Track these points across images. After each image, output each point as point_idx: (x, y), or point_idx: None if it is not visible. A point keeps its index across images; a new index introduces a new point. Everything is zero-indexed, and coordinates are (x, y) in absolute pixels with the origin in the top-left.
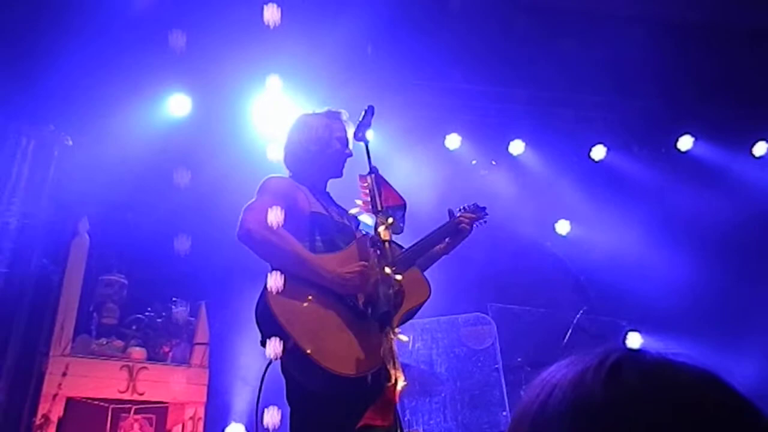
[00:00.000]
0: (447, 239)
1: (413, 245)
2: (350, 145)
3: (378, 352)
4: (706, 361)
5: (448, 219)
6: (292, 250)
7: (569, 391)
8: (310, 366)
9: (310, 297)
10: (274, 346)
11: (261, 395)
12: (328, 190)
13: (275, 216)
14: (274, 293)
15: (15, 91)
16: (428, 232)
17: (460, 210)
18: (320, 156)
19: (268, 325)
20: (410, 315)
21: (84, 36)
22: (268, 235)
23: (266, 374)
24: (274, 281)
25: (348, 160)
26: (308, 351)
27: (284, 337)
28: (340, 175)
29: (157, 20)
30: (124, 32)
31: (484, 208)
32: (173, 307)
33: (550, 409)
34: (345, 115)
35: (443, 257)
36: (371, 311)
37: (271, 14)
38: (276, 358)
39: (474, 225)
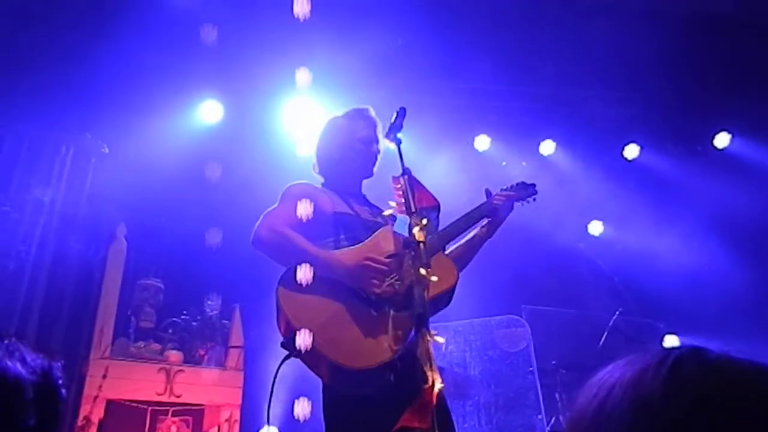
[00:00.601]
0: (485, 222)
1: (442, 230)
2: (378, 141)
3: (389, 344)
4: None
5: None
6: (299, 247)
7: (629, 389)
8: (318, 360)
9: (319, 291)
10: (300, 340)
11: (273, 392)
12: (364, 192)
13: (288, 217)
14: (285, 291)
15: (53, 101)
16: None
17: (501, 190)
18: (344, 161)
19: (279, 323)
20: (439, 301)
21: (118, 46)
22: (276, 237)
23: (279, 372)
24: (289, 277)
25: (380, 158)
26: (314, 345)
27: (292, 333)
28: (369, 174)
29: (188, 28)
30: (157, 41)
31: (533, 185)
32: (207, 309)
33: (609, 407)
34: (370, 111)
35: (486, 243)
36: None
37: (301, 7)
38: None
39: (519, 203)
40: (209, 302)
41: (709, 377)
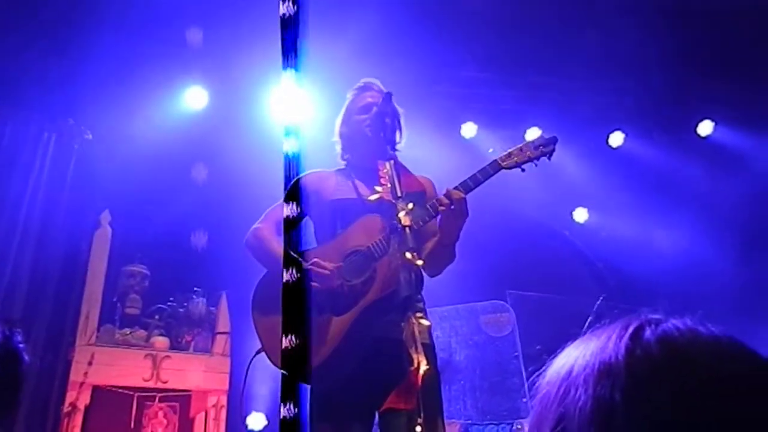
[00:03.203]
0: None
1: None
2: (386, 105)
3: (322, 346)
4: None
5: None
6: (267, 253)
7: (594, 355)
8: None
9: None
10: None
11: (246, 381)
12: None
13: (278, 220)
14: (255, 294)
15: (35, 87)
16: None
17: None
18: (350, 138)
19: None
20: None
21: (101, 32)
22: (256, 242)
23: (252, 361)
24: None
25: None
26: (262, 348)
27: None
28: (373, 141)
29: (172, 13)
30: (140, 26)
31: (554, 139)
32: (194, 297)
33: (577, 370)
34: (371, 82)
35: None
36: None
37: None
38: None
39: (529, 164)
40: (195, 289)
41: (665, 344)
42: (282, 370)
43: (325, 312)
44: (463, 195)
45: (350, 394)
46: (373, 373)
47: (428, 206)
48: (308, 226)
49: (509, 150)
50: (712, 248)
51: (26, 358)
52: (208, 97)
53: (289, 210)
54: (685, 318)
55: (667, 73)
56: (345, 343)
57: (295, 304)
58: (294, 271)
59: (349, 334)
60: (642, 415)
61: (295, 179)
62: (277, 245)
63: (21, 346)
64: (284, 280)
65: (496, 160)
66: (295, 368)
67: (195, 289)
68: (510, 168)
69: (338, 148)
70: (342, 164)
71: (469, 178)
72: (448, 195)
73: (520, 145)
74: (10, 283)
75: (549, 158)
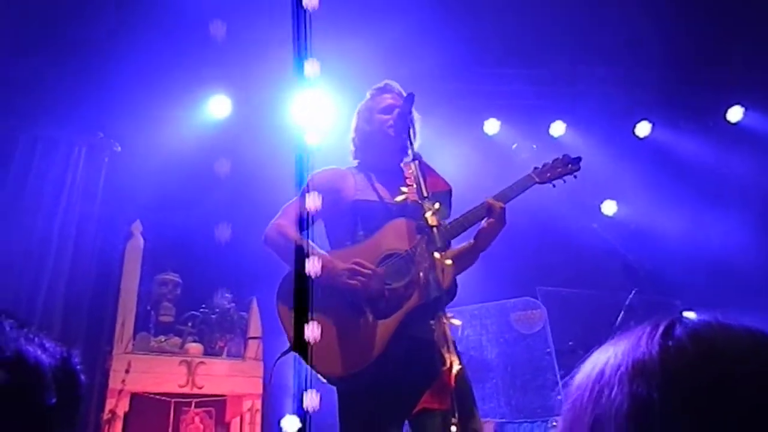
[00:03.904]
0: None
1: (450, 223)
2: (406, 109)
3: (367, 349)
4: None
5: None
6: (293, 248)
7: (626, 355)
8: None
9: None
10: None
11: (271, 382)
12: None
13: (299, 215)
14: (282, 294)
15: (64, 103)
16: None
17: (535, 168)
18: (367, 138)
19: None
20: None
21: (127, 46)
22: (278, 238)
23: (277, 363)
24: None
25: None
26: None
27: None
28: (395, 142)
29: (195, 24)
30: (164, 39)
31: (577, 159)
32: (224, 302)
33: (609, 371)
34: (391, 84)
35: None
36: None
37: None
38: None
39: (554, 182)
40: (226, 295)
41: (697, 340)
42: (318, 370)
43: (364, 313)
44: (503, 205)
45: (388, 397)
46: (409, 375)
47: (468, 215)
48: (318, 223)
49: (543, 165)
50: (744, 239)
51: (83, 378)
52: (231, 105)
53: (311, 206)
54: (716, 313)
55: (693, 59)
56: (390, 346)
57: (332, 303)
58: (329, 270)
59: (394, 338)
60: (680, 410)
61: (311, 174)
62: (307, 246)
63: (79, 367)
64: (320, 280)
65: (530, 174)
66: (327, 365)
67: (226, 295)
68: (543, 183)
69: (353, 146)
70: (353, 163)
71: (507, 188)
72: (489, 206)
73: (552, 161)
74: (47, 295)
75: (575, 177)
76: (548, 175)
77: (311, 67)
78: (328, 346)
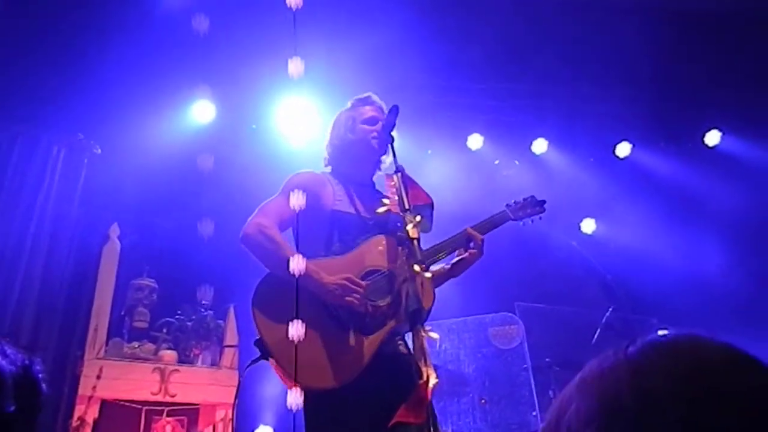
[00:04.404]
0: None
1: (429, 248)
2: (387, 122)
3: (352, 365)
4: None
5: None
6: (282, 254)
7: (599, 364)
8: (286, 375)
9: (290, 305)
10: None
11: (239, 389)
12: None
13: (281, 213)
14: (260, 299)
15: (45, 102)
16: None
17: (507, 205)
18: (349, 148)
19: (256, 331)
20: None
21: (109, 48)
22: (262, 239)
23: (247, 369)
24: (263, 291)
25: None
26: (279, 362)
27: (264, 345)
28: (377, 155)
29: (178, 28)
30: (147, 42)
31: (542, 203)
32: (202, 310)
33: (586, 381)
34: (373, 96)
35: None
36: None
37: (295, 67)
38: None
39: (524, 221)
40: (203, 302)
41: (660, 350)
42: (299, 381)
43: (348, 329)
44: (483, 237)
45: (369, 411)
46: (387, 388)
47: (449, 242)
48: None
49: (515, 203)
50: (720, 258)
51: (44, 388)
52: (215, 111)
53: (294, 205)
54: (691, 330)
55: (673, 83)
56: (373, 362)
57: (317, 315)
58: (315, 281)
59: (377, 354)
60: (651, 414)
61: (293, 176)
62: (289, 249)
63: (40, 375)
64: (309, 291)
65: (505, 211)
66: (314, 379)
67: (203, 302)
68: (515, 221)
69: (328, 153)
70: (327, 169)
71: (485, 221)
72: (469, 236)
73: (522, 200)
74: (20, 297)
75: (540, 218)
76: (520, 213)
77: (295, 66)
78: (311, 358)
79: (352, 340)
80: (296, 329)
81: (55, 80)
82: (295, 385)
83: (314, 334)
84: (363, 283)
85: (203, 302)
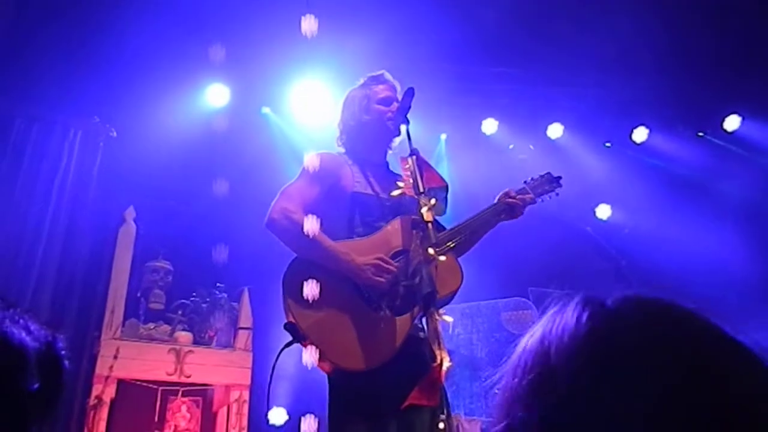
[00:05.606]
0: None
1: (453, 227)
2: (401, 102)
3: (388, 345)
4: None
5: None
6: (311, 239)
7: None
8: (320, 356)
9: (324, 287)
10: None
11: (273, 375)
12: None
13: (304, 196)
14: (290, 283)
15: (61, 86)
16: (472, 214)
17: (525, 182)
18: (364, 128)
19: (285, 312)
20: (443, 303)
21: (125, 31)
22: (289, 224)
23: (280, 355)
24: (293, 273)
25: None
26: (315, 344)
27: (296, 328)
28: (392, 136)
29: (194, 12)
30: (163, 26)
31: (558, 179)
32: (216, 292)
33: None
34: (386, 75)
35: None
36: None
37: (308, 24)
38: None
39: (541, 199)
40: (218, 284)
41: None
42: (343, 364)
43: (380, 309)
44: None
45: (392, 392)
46: (406, 371)
47: (464, 227)
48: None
49: (532, 179)
50: (737, 244)
51: (67, 365)
52: (229, 94)
53: (317, 190)
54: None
55: (692, 67)
56: (405, 343)
57: (350, 297)
58: (347, 263)
59: (409, 334)
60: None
61: (311, 156)
62: (320, 235)
63: (63, 353)
64: (340, 273)
65: (524, 188)
66: (348, 360)
67: (217, 284)
68: (535, 197)
69: (341, 132)
70: (340, 149)
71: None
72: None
73: (539, 176)
74: (39, 279)
75: (557, 194)
76: (538, 190)
77: (308, 24)
78: (345, 340)
79: (384, 322)
80: (311, 288)
81: (71, 64)
82: (309, 344)
83: (347, 316)
84: (394, 263)
85: (218, 284)
